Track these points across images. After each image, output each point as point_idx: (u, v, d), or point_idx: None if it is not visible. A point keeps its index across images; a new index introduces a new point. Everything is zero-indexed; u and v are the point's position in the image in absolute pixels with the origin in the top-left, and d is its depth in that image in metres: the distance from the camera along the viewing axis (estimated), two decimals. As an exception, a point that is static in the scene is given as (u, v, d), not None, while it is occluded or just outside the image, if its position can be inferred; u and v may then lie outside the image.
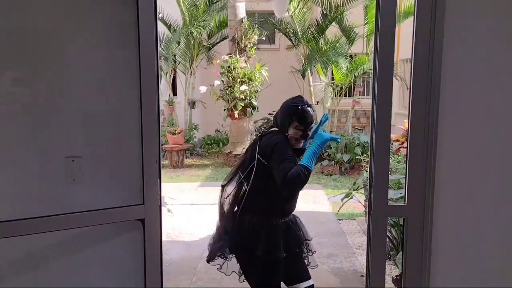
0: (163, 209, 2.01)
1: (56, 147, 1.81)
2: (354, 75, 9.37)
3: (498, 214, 1.90)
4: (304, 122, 2.34)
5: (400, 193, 3.15)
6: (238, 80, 8.65)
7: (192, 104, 10.44)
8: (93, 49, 1.81)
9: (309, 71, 9.97)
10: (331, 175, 8.23)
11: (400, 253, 3.32)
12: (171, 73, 10.55)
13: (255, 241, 2.36)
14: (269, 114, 10.28)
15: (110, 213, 1.78)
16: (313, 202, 6.37)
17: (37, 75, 1.78)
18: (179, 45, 10.05)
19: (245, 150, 2.64)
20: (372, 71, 9.43)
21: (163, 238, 1.91)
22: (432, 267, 1.90)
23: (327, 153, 8.63)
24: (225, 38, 10.04)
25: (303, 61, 9.99)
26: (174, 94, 11.16)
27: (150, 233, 1.81)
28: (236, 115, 8.78)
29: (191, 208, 6.13)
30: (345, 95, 10.14)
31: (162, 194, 1.86)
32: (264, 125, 10.36)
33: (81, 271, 1.85)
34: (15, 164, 1.79)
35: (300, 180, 2.20)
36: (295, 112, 2.34)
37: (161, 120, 1.89)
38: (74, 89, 1.81)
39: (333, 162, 8.49)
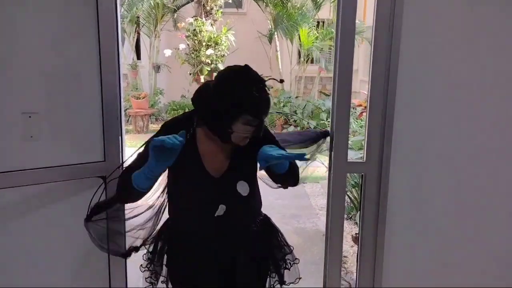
0: None
1: (12, 103, 1.75)
2: (321, 41, 9.38)
3: (451, 171, 2.00)
4: (261, 113, 1.43)
5: (361, 153, 3.25)
6: (204, 44, 8.51)
7: (157, 68, 10.22)
8: (49, 3, 1.73)
9: (276, 36, 9.91)
10: (296, 141, 8.34)
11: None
12: (134, 35, 10.24)
13: None
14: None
15: (71, 170, 1.75)
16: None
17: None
18: (142, 6, 9.73)
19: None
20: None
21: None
22: (388, 223, 1.99)
23: (293, 119, 8.72)
24: (191, 0, 9.79)
25: (270, 25, 9.89)
26: (138, 57, 10.88)
27: (111, 190, 1.80)
28: (202, 80, 8.68)
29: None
30: (311, 62, 10.16)
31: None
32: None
33: (42, 229, 1.83)
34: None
35: None
36: (249, 101, 1.39)
37: (124, 84, 1.86)
38: (29, 46, 1.74)
39: (298, 128, 8.59)
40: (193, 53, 8.62)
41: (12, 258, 1.84)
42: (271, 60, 10.17)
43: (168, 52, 8.96)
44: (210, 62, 8.58)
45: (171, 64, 9.70)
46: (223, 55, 8.78)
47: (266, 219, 1.76)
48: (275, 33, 9.82)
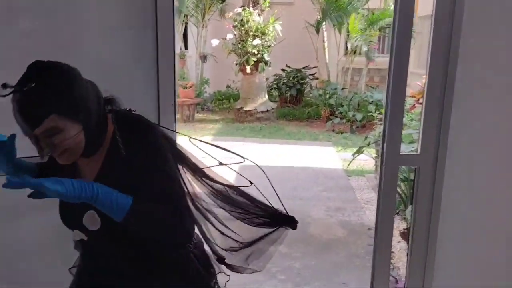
0: None
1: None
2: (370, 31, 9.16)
3: (510, 168, 1.90)
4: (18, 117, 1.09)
5: (412, 147, 3.16)
6: (251, 34, 8.52)
7: (204, 58, 10.34)
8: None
9: (324, 26, 9.76)
10: (341, 133, 8.22)
11: (410, 206, 3.37)
12: (182, 25, 10.39)
13: None
14: (282, 70, 10.21)
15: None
16: (322, 159, 6.41)
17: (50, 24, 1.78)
18: (191, -3, 9.86)
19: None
20: (389, 27, 9.20)
21: None
22: (441, 220, 1.93)
23: (338, 111, 8.59)
24: (238, -10, 9.81)
25: (319, 15, 9.75)
26: (186, 47, 11.05)
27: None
28: (248, 70, 8.71)
29: (201, 163, 6.21)
30: (359, 53, 9.95)
31: None
32: (276, 82, 10.30)
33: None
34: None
35: None
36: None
37: None
38: (89, 35, 1.81)
39: (344, 120, 8.45)
40: (239, 43, 8.65)
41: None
42: (317, 51, 10.04)
43: (215, 42, 9.04)
44: (256, 52, 8.58)
45: (218, 54, 9.79)
46: (270, 45, 8.76)
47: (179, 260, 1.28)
48: (323, 23, 9.67)
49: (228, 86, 11.04)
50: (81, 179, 1.16)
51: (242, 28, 8.54)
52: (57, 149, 1.09)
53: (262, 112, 9.11)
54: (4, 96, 1.03)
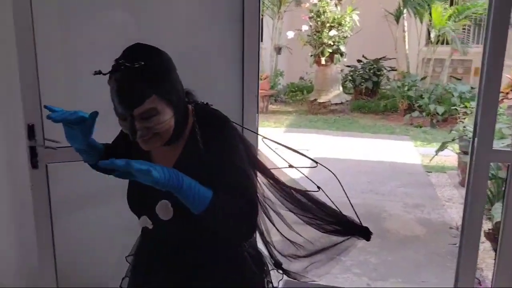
0: None
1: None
2: (454, 20, 8.65)
3: None
4: (117, 101, 1.09)
5: (502, 143, 2.96)
6: (327, 25, 8.40)
7: (278, 50, 10.37)
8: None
9: (404, 15, 9.37)
10: (420, 127, 7.87)
11: (496, 205, 3.17)
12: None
13: None
14: (358, 61, 9.97)
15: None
16: (399, 153, 6.20)
17: (139, 18, 1.89)
18: (267, -12, 9.90)
19: None
20: (475, 16, 8.63)
21: None
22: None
23: (417, 104, 8.23)
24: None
25: (399, 3, 9.37)
26: (261, 39, 11.14)
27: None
28: (323, 62, 8.61)
29: (274, 153, 6.27)
30: (442, 43, 9.44)
31: None
32: (351, 74, 10.09)
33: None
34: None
35: None
36: (110, 82, 1.11)
37: None
38: (178, 28, 1.90)
39: (423, 114, 8.07)
40: (315, 34, 8.56)
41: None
42: (397, 41, 9.67)
43: (290, 34, 9.03)
44: (332, 43, 8.45)
45: (292, 46, 9.77)
46: (346, 36, 8.59)
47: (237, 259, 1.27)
48: (404, 11, 9.29)
49: (301, 78, 10.99)
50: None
51: (318, 19, 8.45)
52: (149, 132, 1.08)
53: (336, 104, 8.99)
54: (106, 74, 1.06)
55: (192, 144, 1.16)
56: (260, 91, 7.92)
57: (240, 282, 1.25)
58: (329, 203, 1.38)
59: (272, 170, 1.35)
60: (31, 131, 1.74)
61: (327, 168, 1.44)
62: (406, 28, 9.55)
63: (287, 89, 10.76)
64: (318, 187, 1.39)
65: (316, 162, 1.45)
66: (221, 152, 1.14)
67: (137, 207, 1.23)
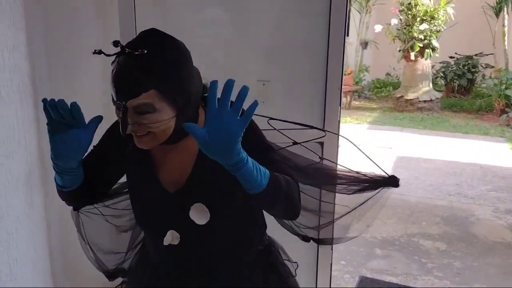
0: None
1: (250, 73, 2.01)
2: None
3: None
4: (116, 89, 0.96)
5: None
6: (418, 18, 8.04)
7: (365, 44, 10.12)
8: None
9: (506, 8, 8.68)
10: (518, 128, 7.28)
11: None
12: (345, 11, 10.31)
13: None
14: (451, 57, 9.42)
15: (294, 133, 1.93)
16: (493, 156, 5.79)
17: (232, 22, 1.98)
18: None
19: None
20: None
21: None
22: None
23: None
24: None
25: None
26: (347, 34, 10.92)
27: (327, 156, 1.92)
28: (412, 57, 8.26)
29: (355, 148, 6.16)
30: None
31: None
32: (443, 70, 9.56)
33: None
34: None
35: None
36: (112, 68, 0.99)
37: None
38: (262, 23, 1.97)
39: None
40: (405, 28, 8.23)
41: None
42: (495, 36, 9.00)
43: (378, 28, 8.77)
44: (423, 38, 8.07)
45: (379, 41, 9.49)
46: (439, 30, 8.15)
47: (266, 252, 1.25)
48: (505, 5, 8.60)
49: (388, 74, 10.63)
50: (152, 170, 1.09)
51: (409, 13, 8.11)
52: (142, 129, 0.96)
53: (424, 101, 8.58)
54: (110, 55, 0.95)
55: None
56: (343, 86, 7.83)
57: (278, 280, 1.22)
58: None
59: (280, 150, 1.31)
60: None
61: (336, 133, 1.53)
62: (506, 23, 8.84)
63: (372, 85, 10.47)
64: (320, 158, 1.42)
65: (324, 131, 1.48)
66: (250, 138, 0.97)
67: (159, 223, 1.10)
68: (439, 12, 7.98)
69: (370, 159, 1.42)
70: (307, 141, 1.45)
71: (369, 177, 1.31)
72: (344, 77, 7.85)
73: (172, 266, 1.16)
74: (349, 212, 1.38)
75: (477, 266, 3.04)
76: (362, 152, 1.49)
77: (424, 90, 8.63)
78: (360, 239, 3.41)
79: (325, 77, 1.89)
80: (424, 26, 7.95)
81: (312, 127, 1.42)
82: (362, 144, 7.22)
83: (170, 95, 0.95)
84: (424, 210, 3.99)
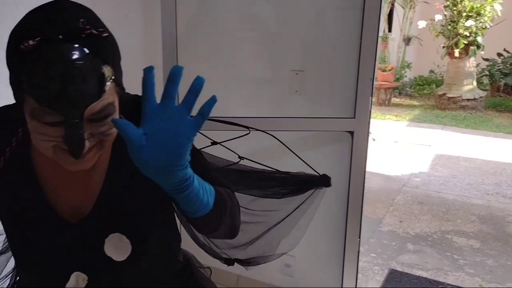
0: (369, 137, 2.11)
1: (284, 63, 2.08)
2: None
3: None
4: (55, 96, 0.64)
5: None
6: (464, 14, 7.82)
7: (407, 40, 9.92)
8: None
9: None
10: None
11: None
12: (388, 6, 10.13)
13: None
14: (498, 54, 9.10)
15: (325, 122, 1.99)
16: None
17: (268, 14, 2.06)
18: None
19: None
20: None
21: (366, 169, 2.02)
22: None
23: None
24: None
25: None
26: (389, 30, 10.76)
27: (357, 145, 1.97)
28: (456, 54, 8.04)
29: (394, 145, 6.10)
30: None
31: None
32: (489, 69, 9.25)
33: (297, 169, 2.16)
34: (250, 74, 2.14)
35: None
36: (30, 66, 0.64)
37: None
38: (299, 17, 2.03)
39: None
40: (449, 24, 8.03)
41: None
42: (547, 34, 8.63)
43: (421, 24, 8.59)
44: (468, 34, 7.85)
45: (423, 37, 9.28)
46: (485, 27, 7.90)
47: (184, 267, 1.06)
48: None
49: (431, 71, 10.39)
50: (40, 193, 0.80)
51: (454, 8, 7.90)
52: (95, 141, 0.71)
53: (468, 100, 8.34)
54: (31, 45, 0.63)
55: (119, 153, 0.78)
56: (383, 82, 7.85)
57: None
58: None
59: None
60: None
61: (262, 131, 1.27)
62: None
63: (414, 82, 10.26)
64: (240, 157, 1.21)
65: (249, 128, 1.23)
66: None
67: (50, 267, 0.82)
68: (485, 9, 7.73)
69: (301, 159, 1.28)
70: (231, 139, 1.25)
71: (299, 177, 1.15)
72: (384, 73, 7.83)
73: None
74: (284, 219, 1.18)
75: (510, 265, 2.99)
76: (293, 152, 1.35)
77: (468, 88, 8.40)
78: (392, 234, 3.42)
79: (357, 68, 1.93)
80: (469, 22, 7.73)
81: (235, 124, 1.20)
82: (400, 141, 7.13)
83: (121, 84, 0.73)
84: (460, 208, 3.93)
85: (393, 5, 10.23)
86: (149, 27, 2.22)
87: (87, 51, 0.64)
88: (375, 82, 7.45)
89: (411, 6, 9.72)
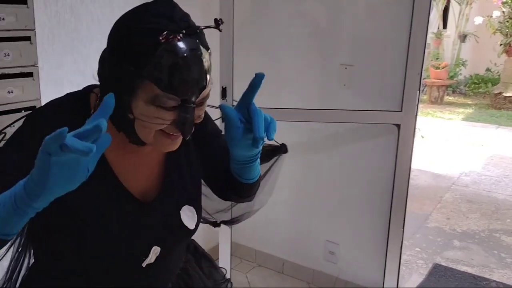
0: (418, 134, 2.15)
1: (334, 58, 2.18)
2: None
3: None
4: (180, 85, 0.73)
5: None
6: (524, 10, 7.51)
7: (463, 37, 9.62)
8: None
9: None
10: None
11: None
12: (444, 2, 9.87)
13: None
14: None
15: (373, 115, 2.07)
16: None
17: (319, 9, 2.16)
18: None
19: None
20: None
21: (412, 166, 2.06)
22: None
23: None
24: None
25: None
26: (444, 26, 10.46)
27: (404, 138, 2.03)
28: (514, 52, 7.74)
29: (445, 144, 6.00)
30: None
31: (417, 126, 2.03)
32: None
33: (344, 160, 2.26)
34: (301, 68, 2.25)
35: None
36: (153, 56, 0.72)
37: (426, 53, 1.99)
38: (351, 14, 2.12)
39: None
40: (507, 21, 7.74)
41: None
42: None
43: (478, 20, 8.32)
44: (527, 31, 7.54)
45: (480, 34, 8.97)
46: (546, 23, 7.56)
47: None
48: None
49: (488, 70, 10.02)
50: (117, 181, 0.85)
51: (513, 4, 7.61)
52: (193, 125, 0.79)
53: (526, 99, 8.02)
54: (180, 36, 0.72)
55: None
56: (436, 80, 7.72)
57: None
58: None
59: None
60: (224, 92, 2.15)
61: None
62: None
63: (468, 80, 9.94)
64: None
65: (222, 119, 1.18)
66: (211, 126, 1.02)
67: (132, 245, 0.87)
68: (547, 4, 7.40)
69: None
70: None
71: (265, 147, 1.18)
72: (437, 71, 7.70)
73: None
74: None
75: (562, 265, 2.93)
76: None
77: (526, 87, 8.07)
78: (439, 231, 3.43)
79: (405, 62, 1.99)
80: (529, 18, 7.42)
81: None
82: (452, 139, 6.98)
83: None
84: (511, 208, 3.86)
85: (449, 1, 9.95)
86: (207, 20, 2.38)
87: (199, 44, 0.74)
88: (428, 80, 7.46)
89: (467, 2, 9.42)
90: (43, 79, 1.57)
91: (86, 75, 1.65)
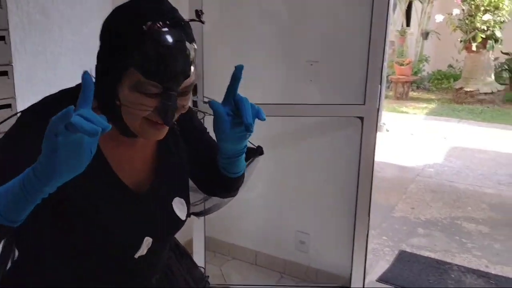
0: (383, 128, 2.26)
1: (299, 54, 2.27)
2: None
3: None
4: (164, 72, 0.77)
5: None
6: (482, 8, 7.84)
7: (425, 35, 9.95)
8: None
9: None
10: None
11: None
12: (406, 2, 10.17)
13: None
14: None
15: (338, 108, 2.17)
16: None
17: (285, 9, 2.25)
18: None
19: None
20: None
21: (378, 159, 2.16)
22: None
23: None
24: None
25: None
26: (408, 24, 10.79)
27: (367, 130, 2.14)
28: (474, 48, 8.08)
29: (410, 137, 6.22)
30: None
31: (383, 121, 2.14)
32: (507, 63, 9.23)
33: (311, 153, 2.36)
34: (268, 64, 2.33)
35: None
36: (139, 44, 0.76)
37: (390, 51, 2.10)
38: (315, 14, 2.21)
39: None
40: (467, 18, 8.07)
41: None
42: None
43: (439, 18, 8.64)
44: (485, 28, 7.88)
45: (441, 31, 9.31)
46: (503, 21, 7.91)
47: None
48: None
49: (450, 66, 10.39)
50: (113, 172, 0.87)
51: (472, 3, 7.94)
52: (176, 114, 0.83)
53: (485, 93, 8.38)
54: (162, 27, 0.77)
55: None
56: (400, 76, 7.97)
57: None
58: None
59: None
60: (194, 89, 2.21)
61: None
62: None
63: (432, 76, 10.29)
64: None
65: (204, 113, 1.37)
66: (198, 122, 1.08)
67: (127, 237, 0.88)
68: (503, 2, 7.75)
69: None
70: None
71: None
72: (402, 67, 7.94)
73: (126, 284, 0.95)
74: None
75: (518, 248, 3.12)
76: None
77: (486, 82, 8.43)
78: (405, 220, 3.58)
79: (367, 58, 2.10)
80: (487, 16, 7.77)
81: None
82: (416, 133, 7.24)
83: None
84: (471, 197, 4.06)
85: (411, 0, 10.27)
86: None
87: (183, 35, 0.78)
88: (393, 76, 7.70)
89: (429, 0, 9.75)
90: (17, 78, 1.59)
91: (57, 73, 1.68)
